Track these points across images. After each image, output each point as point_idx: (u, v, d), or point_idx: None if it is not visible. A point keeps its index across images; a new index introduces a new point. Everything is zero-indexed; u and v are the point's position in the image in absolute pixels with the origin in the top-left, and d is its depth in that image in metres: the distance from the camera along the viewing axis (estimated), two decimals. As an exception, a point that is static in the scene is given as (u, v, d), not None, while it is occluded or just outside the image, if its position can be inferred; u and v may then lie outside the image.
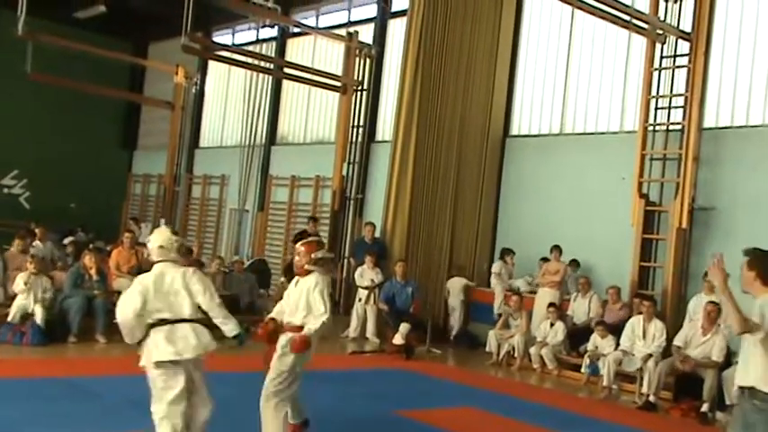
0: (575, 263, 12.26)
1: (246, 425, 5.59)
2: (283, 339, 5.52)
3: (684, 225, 11.05)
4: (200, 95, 21.37)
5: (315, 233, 12.75)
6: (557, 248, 11.97)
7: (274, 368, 5.48)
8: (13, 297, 9.53)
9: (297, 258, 5.70)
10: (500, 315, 11.88)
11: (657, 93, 11.69)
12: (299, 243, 5.75)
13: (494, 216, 14.10)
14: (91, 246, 12.33)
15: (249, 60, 16.65)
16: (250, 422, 5.49)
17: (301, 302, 5.54)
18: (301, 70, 16.48)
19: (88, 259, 10.07)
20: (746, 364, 4.48)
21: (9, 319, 9.26)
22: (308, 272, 5.64)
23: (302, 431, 5.85)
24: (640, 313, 9.95)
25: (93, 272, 9.94)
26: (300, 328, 5.45)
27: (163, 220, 20.26)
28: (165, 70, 19.53)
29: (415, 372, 10.06)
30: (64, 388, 7.03)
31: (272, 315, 5.82)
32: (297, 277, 5.76)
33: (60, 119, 21.06)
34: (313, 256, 5.67)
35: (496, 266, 12.92)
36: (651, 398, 9.09)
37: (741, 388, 4.47)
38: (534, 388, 10.01)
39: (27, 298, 9.36)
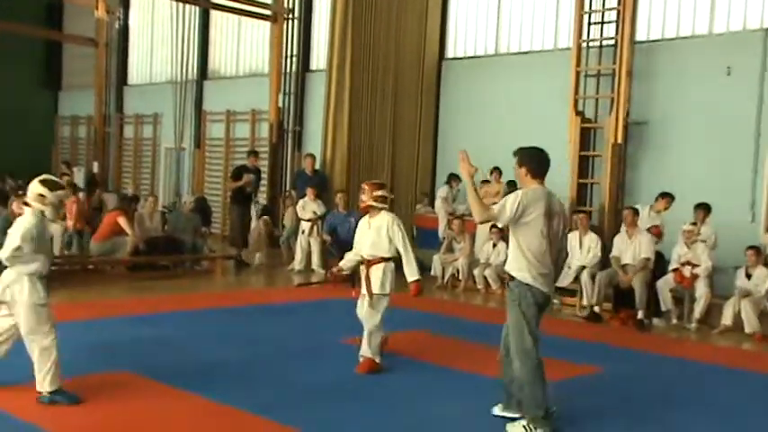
0: (512, 184, 12.34)
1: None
2: (377, 271, 6.31)
3: (620, 140, 11.19)
4: (125, 30, 20.54)
5: (255, 168, 12.59)
6: (496, 170, 12.05)
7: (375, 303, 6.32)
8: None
9: (362, 197, 6.43)
10: (444, 239, 11.99)
11: (590, 8, 11.67)
12: (365, 183, 6.49)
13: (433, 141, 14.09)
14: (20, 192, 11.87)
15: (173, -9, 15.99)
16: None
17: (381, 239, 6.32)
18: (229, -1, 15.92)
19: (16, 206, 9.69)
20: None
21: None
22: (374, 210, 6.39)
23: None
24: (577, 228, 10.15)
25: (23, 219, 9.59)
26: (387, 259, 6.30)
27: (96, 163, 19.69)
28: (85, 4, 18.60)
29: (362, 300, 10.11)
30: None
31: (341, 264, 6.90)
32: (365, 218, 6.52)
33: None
34: (375, 194, 6.38)
35: (442, 191, 12.95)
36: (596, 309, 9.37)
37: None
38: (479, 308, 10.20)
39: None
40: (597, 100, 11.84)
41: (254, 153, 13.37)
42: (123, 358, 5.68)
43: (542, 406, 4.84)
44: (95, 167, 19.58)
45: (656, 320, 9.29)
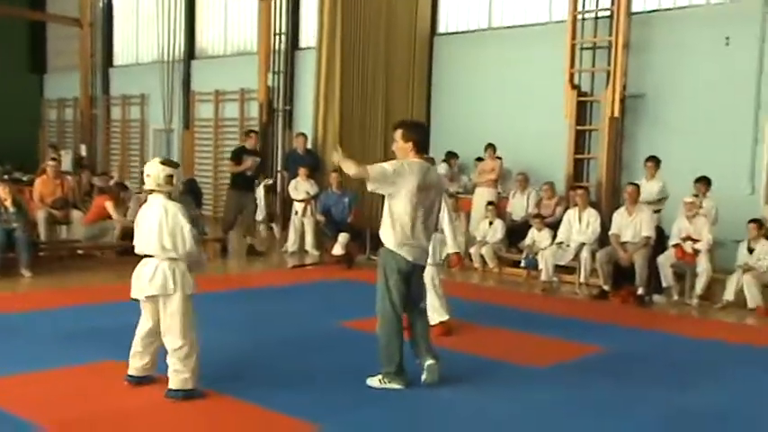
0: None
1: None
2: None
3: (617, 114, 11.02)
4: (109, 10, 20.14)
5: (254, 148, 12.20)
6: (491, 147, 11.86)
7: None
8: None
9: None
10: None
11: (585, -21, 11.43)
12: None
13: (426, 118, 13.85)
14: (6, 177, 11.65)
15: (158, -32, 15.64)
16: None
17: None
18: (215, -24, 15.60)
19: (1, 190, 9.46)
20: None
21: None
22: None
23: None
24: (576, 205, 9.99)
25: (8, 204, 9.34)
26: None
27: (83, 146, 19.42)
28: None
29: (357, 281, 9.95)
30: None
31: None
32: None
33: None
34: None
35: (441, 169, 12.73)
36: (605, 287, 9.21)
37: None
38: (476, 287, 10.05)
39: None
40: (593, 73, 11.63)
41: (253, 132, 12.48)
42: (113, 345, 5.50)
43: (395, 362, 5.15)
44: (83, 150, 19.33)
45: (656, 297, 9.16)
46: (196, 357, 4.86)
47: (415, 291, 5.35)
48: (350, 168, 5.14)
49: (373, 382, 5.21)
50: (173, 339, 4.80)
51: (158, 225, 4.74)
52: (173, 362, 4.82)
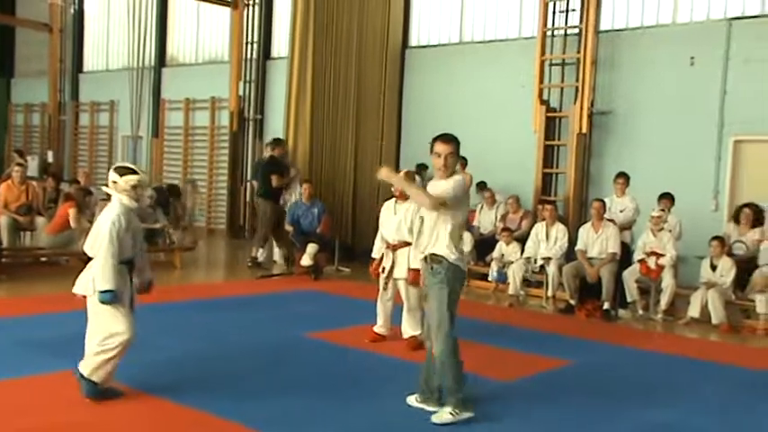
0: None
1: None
2: (402, 256, 6.69)
3: (584, 130, 11.16)
4: (80, 15, 19.94)
5: (281, 157, 12.07)
6: (462, 159, 11.88)
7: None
8: None
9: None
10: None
11: (555, -4, 11.58)
12: (402, 172, 6.47)
13: (397, 129, 13.90)
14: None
15: (130, -26, 15.51)
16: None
17: (404, 224, 6.60)
18: (187, -16, 15.53)
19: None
20: (428, 237, 4.95)
21: None
22: (407, 197, 6.50)
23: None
24: (543, 219, 10.07)
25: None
26: (409, 243, 6.36)
27: (50, 152, 19.16)
28: (38, -12, 18.06)
29: (325, 292, 9.93)
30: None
31: (374, 255, 7.02)
32: (389, 203, 6.90)
33: None
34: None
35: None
36: (572, 301, 9.28)
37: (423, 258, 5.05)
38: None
39: None
40: (562, 89, 11.76)
41: (278, 141, 12.24)
42: (74, 354, 5.40)
43: (463, 386, 4.88)
44: (50, 156, 19.07)
45: (621, 311, 9.26)
46: (107, 359, 4.86)
47: None
48: (429, 205, 4.87)
49: (443, 417, 4.81)
50: (89, 336, 4.93)
51: (96, 226, 4.93)
52: (86, 350, 4.91)
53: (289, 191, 12.04)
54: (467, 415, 4.83)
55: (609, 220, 9.51)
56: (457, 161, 5.02)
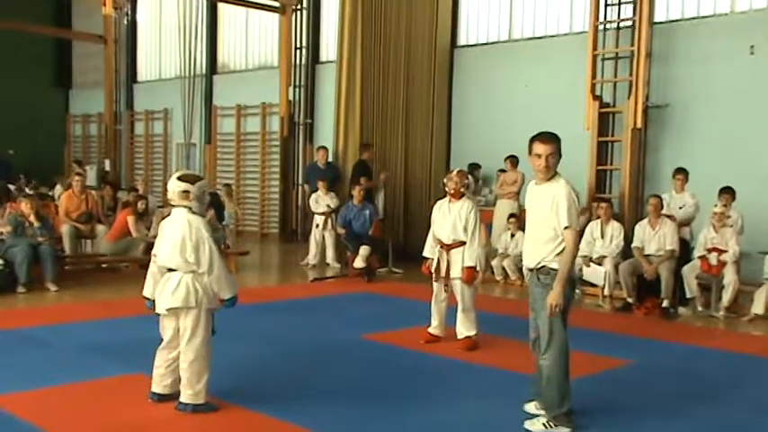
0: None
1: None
2: (457, 255, 6.71)
3: (639, 125, 10.93)
4: (133, 26, 20.40)
5: (370, 160, 12.23)
6: (512, 158, 11.80)
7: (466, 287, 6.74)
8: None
9: (451, 183, 6.80)
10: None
11: (607, -11, 11.39)
12: (454, 172, 6.92)
13: (447, 130, 13.86)
14: (28, 191, 11.77)
15: (180, -15, 15.79)
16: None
17: (459, 224, 6.69)
18: (237, -8, 15.75)
19: (24, 206, 9.54)
20: (535, 246, 4.72)
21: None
22: (460, 196, 6.75)
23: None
24: (598, 217, 9.91)
25: (32, 218, 9.44)
26: (464, 243, 6.66)
27: (107, 161, 19.60)
28: (93, 1, 18.47)
29: (379, 294, 9.95)
30: (15, 340, 6.71)
31: (426, 254, 7.01)
32: (442, 203, 6.91)
33: (-16, 64, 19.86)
34: (464, 181, 6.85)
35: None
36: (629, 299, 9.12)
37: (529, 269, 4.79)
38: (498, 299, 9.99)
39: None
40: (615, 84, 11.57)
41: (367, 146, 12.39)
42: (138, 359, 5.52)
43: (569, 401, 4.69)
44: (107, 165, 19.52)
45: (681, 309, 9.05)
46: (208, 371, 4.86)
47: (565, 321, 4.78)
48: (569, 259, 4.58)
49: (535, 426, 4.70)
50: (187, 353, 4.82)
51: (182, 239, 4.74)
52: (185, 376, 4.84)
53: (377, 195, 12.22)
54: (562, 430, 4.66)
55: (667, 216, 9.31)
56: (558, 161, 4.66)
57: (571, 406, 4.72)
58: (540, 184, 4.75)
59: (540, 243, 4.66)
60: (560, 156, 4.66)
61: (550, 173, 4.66)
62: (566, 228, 4.53)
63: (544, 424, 4.70)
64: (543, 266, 4.66)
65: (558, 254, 4.59)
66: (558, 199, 4.56)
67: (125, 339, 6.70)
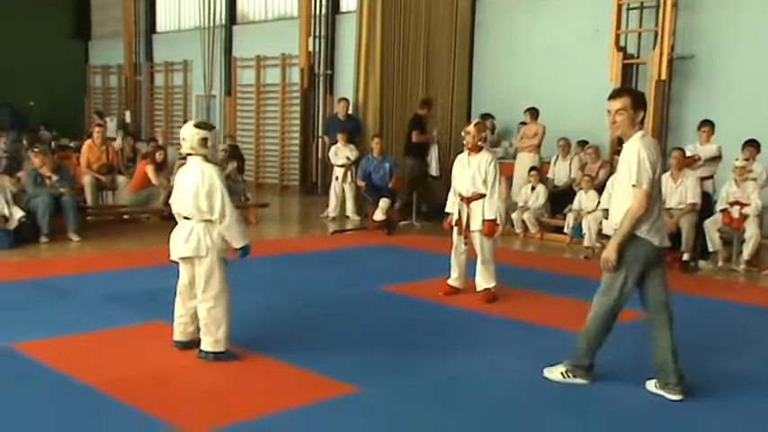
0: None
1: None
2: (477, 208, 6.71)
3: (664, 76, 10.75)
4: (152, -24, 20.22)
5: (425, 116, 12.15)
6: (532, 110, 11.67)
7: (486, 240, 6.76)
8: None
9: (469, 137, 6.76)
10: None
11: (633, -64, 11.10)
12: (472, 125, 6.85)
13: (468, 82, 13.70)
14: (52, 143, 11.83)
15: (199, -67, 15.61)
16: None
17: (478, 177, 6.67)
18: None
19: (36, 159, 9.56)
20: (614, 208, 4.60)
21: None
22: (479, 149, 6.74)
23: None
24: (621, 170, 9.79)
25: (44, 171, 9.47)
26: (484, 195, 6.67)
27: (128, 113, 19.67)
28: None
29: (399, 246, 9.98)
30: (38, 289, 6.83)
31: (448, 209, 7.02)
32: (462, 156, 6.87)
33: (3, 17, 19.75)
34: (481, 134, 6.85)
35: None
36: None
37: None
38: (518, 252, 9.99)
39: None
40: (640, 34, 11.33)
41: (426, 102, 12.31)
42: (161, 307, 5.60)
43: (590, 358, 4.72)
44: (127, 117, 19.60)
45: (702, 263, 9.00)
46: (227, 319, 4.92)
47: (659, 286, 4.62)
48: (636, 214, 4.39)
49: (553, 374, 4.77)
50: (204, 301, 4.88)
51: (195, 187, 4.77)
52: (204, 323, 4.91)
53: (431, 150, 12.15)
54: (579, 381, 4.70)
55: (692, 158, 9.20)
56: (631, 117, 4.40)
57: (593, 361, 4.74)
58: (625, 142, 4.56)
59: (617, 204, 4.54)
60: (636, 111, 4.42)
61: (618, 130, 4.49)
62: (633, 186, 4.39)
63: (562, 373, 4.75)
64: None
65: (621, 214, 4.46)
66: (630, 158, 4.41)
67: (147, 289, 6.79)
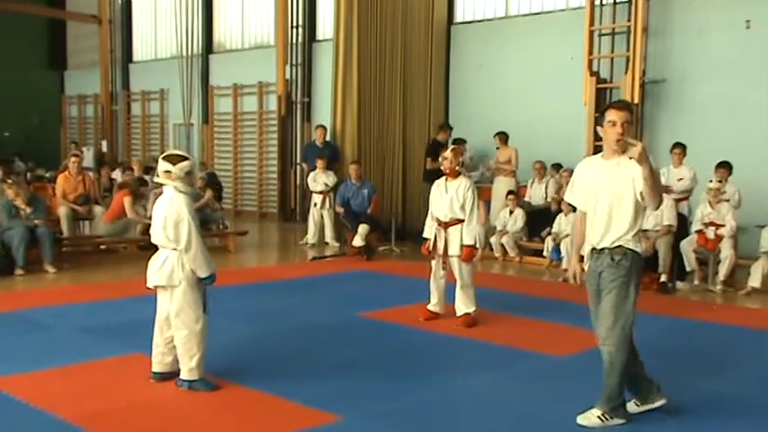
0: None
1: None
2: (455, 233, 6.78)
3: (636, 100, 10.89)
4: (128, 6, 20.25)
5: (445, 141, 12.18)
6: (501, 135, 11.76)
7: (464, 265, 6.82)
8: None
9: (447, 162, 6.85)
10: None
11: (603, -36, 11.31)
12: (449, 150, 7.01)
13: (444, 108, 13.79)
14: (11, 177, 11.75)
15: (174, -37, 15.69)
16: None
17: (456, 202, 6.76)
18: (231, -30, 15.62)
19: (10, 191, 9.49)
20: (608, 225, 4.38)
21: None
22: (457, 174, 6.82)
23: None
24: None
25: (19, 202, 9.39)
26: (462, 220, 6.75)
27: (104, 142, 19.58)
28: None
29: (378, 272, 9.97)
30: (13, 322, 6.74)
31: (426, 235, 7.06)
32: (440, 182, 6.96)
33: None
34: (459, 159, 6.94)
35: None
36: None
37: (598, 249, 4.43)
38: (498, 276, 10.02)
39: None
40: (612, 59, 11.51)
41: (443, 126, 12.36)
42: (138, 339, 5.54)
43: (624, 393, 4.49)
44: (104, 146, 19.50)
45: (679, 284, 9.09)
46: (201, 348, 4.92)
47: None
48: (656, 189, 4.29)
49: (591, 421, 4.40)
50: (178, 329, 4.90)
51: (163, 218, 4.84)
52: (179, 352, 4.93)
53: None
54: (618, 422, 4.42)
55: (665, 188, 9.30)
56: (632, 131, 4.34)
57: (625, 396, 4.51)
58: (608, 159, 4.40)
59: (616, 221, 4.35)
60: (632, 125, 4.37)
61: (621, 143, 4.28)
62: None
63: (600, 417, 4.42)
64: (619, 246, 4.35)
65: (635, 234, 4.34)
66: (635, 174, 4.23)
67: (124, 320, 6.72)
